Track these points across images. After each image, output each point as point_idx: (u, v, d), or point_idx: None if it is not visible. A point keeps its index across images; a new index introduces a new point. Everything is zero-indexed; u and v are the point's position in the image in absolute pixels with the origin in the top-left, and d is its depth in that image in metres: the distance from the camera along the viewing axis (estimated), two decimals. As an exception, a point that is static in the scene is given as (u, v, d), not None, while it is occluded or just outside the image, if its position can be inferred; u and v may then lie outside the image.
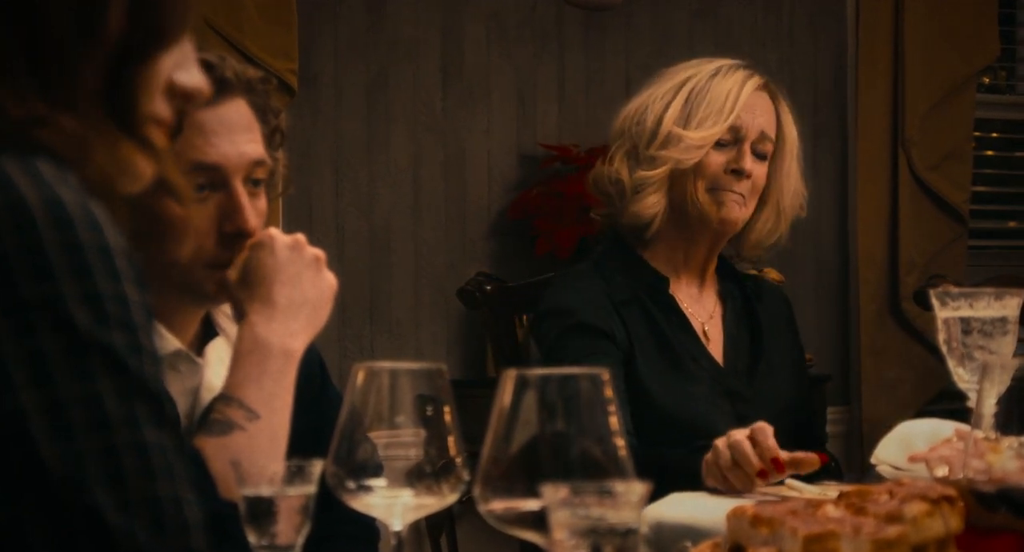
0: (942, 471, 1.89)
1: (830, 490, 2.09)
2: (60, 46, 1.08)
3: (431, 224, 4.56)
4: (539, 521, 1.12)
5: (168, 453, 1.03)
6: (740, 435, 2.20)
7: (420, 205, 4.55)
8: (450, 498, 1.35)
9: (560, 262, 4.21)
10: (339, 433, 1.34)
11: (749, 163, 2.62)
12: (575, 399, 1.19)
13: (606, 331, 2.56)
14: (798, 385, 2.74)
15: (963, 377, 1.72)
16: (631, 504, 1.08)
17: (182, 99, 1.18)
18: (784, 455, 2.18)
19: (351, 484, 1.33)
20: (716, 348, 2.67)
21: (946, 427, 2.15)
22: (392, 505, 1.34)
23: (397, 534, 1.36)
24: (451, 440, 1.34)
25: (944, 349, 1.73)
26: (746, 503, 1.34)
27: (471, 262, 4.54)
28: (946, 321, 1.73)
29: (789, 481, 2.22)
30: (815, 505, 1.30)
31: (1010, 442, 1.41)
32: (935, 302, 1.74)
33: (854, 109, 5.00)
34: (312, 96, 4.40)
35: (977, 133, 5.22)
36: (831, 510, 1.29)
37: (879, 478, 2.11)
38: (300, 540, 1.35)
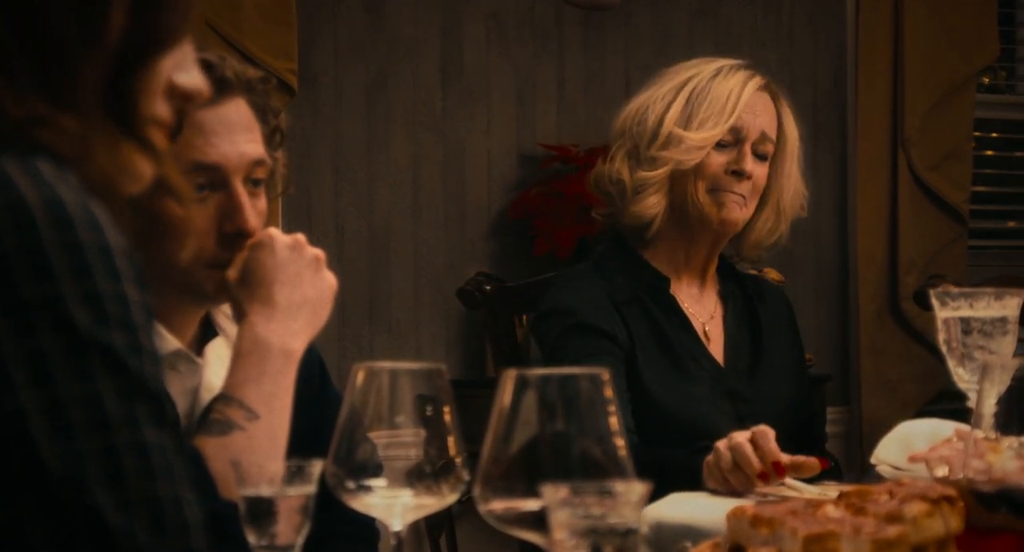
0: (942, 471, 1.89)
1: (830, 490, 2.09)
2: (61, 46, 1.08)
3: (431, 224, 4.56)
4: (539, 521, 1.12)
5: (168, 453, 1.03)
6: (741, 437, 2.20)
7: (420, 205, 4.55)
8: (450, 498, 1.35)
9: (560, 262, 4.21)
10: (339, 433, 1.34)
11: (750, 164, 2.62)
12: (575, 399, 1.19)
13: (607, 331, 2.56)
14: (798, 385, 2.74)
15: (963, 377, 1.72)
16: (631, 504, 1.08)
17: (182, 100, 1.18)
18: (785, 458, 2.18)
19: (351, 484, 1.33)
20: (717, 348, 2.67)
21: (946, 427, 2.15)
22: (392, 505, 1.34)
23: (397, 534, 1.36)
24: (451, 440, 1.34)
25: (944, 349, 1.73)
26: (746, 503, 1.34)
27: (471, 262, 4.54)
28: (946, 321, 1.73)
29: (789, 481, 2.21)
30: (815, 505, 1.30)
31: (1010, 442, 1.41)
32: (935, 302, 1.74)
33: (854, 109, 5.00)
34: (312, 96, 4.40)
35: (977, 133, 5.22)
36: (831, 510, 1.29)
37: (879, 478, 2.11)
38: (300, 540, 1.35)
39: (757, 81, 2.64)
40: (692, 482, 2.25)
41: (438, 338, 4.54)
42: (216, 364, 1.87)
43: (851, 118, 5.03)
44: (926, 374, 4.88)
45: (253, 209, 1.83)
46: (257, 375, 1.74)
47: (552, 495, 1.08)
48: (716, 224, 2.62)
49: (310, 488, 1.35)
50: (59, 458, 0.99)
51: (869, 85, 4.95)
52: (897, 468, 2.13)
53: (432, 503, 1.35)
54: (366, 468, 1.33)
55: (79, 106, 1.09)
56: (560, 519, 1.08)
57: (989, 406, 1.44)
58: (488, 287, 3.00)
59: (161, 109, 1.16)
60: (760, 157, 2.64)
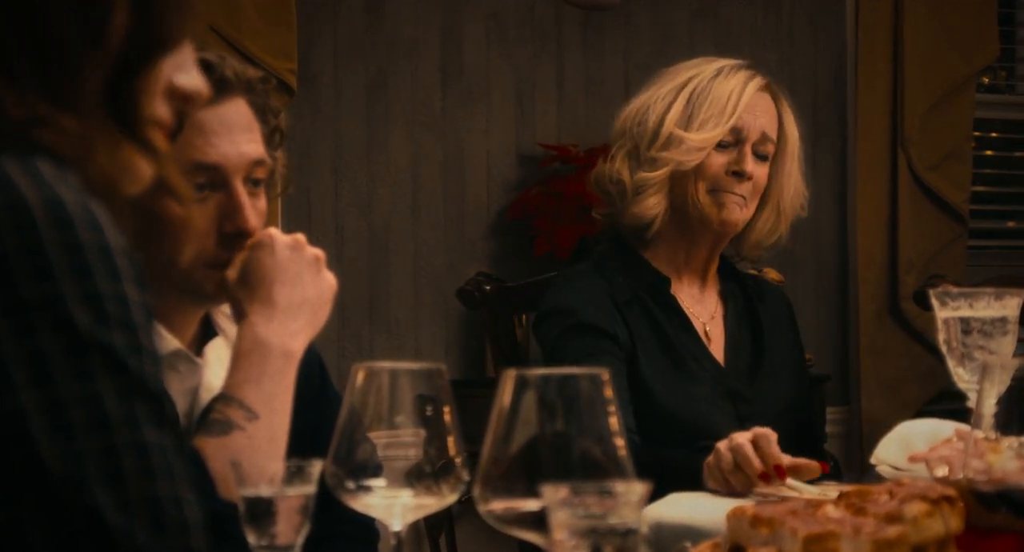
0: (942, 471, 1.89)
1: (830, 490, 2.09)
2: (62, 46, 1.08)
3: (430, 224, 4.56)
4: (539, 521, 1.12)
5: (168, 453, 1.03)
6: (742, 438, 2.19)
7: (419, 205, 4.55)
8: (450, 498, 1.35)
9: (559, 262, 4.21)
10: (339, 433, 1.34)
11: (750, 165, 2.61)
12: (575, 399, 1.19)
13: (607, 331, 2.56)
14: (799, 385, 2.74)
15: (963, 377, 1.72)
16: (631, 504, 1.08)
17: (181, 101, 1.18)
18: (786, 460, 2.18)
19: (351, 484, 1.33)
20: (717, 348, 2.67)
21: (946, 427, 2.15)
22: (391, 505, 1.34)
23: (396, 534, 1.36)
24: (451, 440, 1.34)
25: (944, 349, 1.73)
26: (746, 503, 1.34)
27: (470, 262, 4.54)
28: (946, 321, 1.73)
29: (789, 481, 2.21)
30: (815, 505, 1.30)
31: (1010, 442, 1.41)
32: (935, 302, 1.74)
33: (854, 109, 5.00)
34: (311, 96, 4.40)
35: (977, 133, 5.22)
36: (831, 510, 1.28)
37: (879, 478, 2.11)
38: (299, 540, 1.35)
39: (758, 81, 2.64)
40: (692, 482, 2.25)
41: (438, 338, 4.54)
42: (216, 364, 1.87)
43: (851, 118, 5.03)
44: (926, 374, 4.88)
45: (253, 209, 1.83)
46: (257, 375, 1.74)
47: (552, 495, 1.08)
48: (716, 224, 2.62)
49: (310, 488, 1.35)
50: (59, 458, 0.99)
51: (869, 85, 4.95)
52: (897, 468, 2.13)
53: (432, 503, 1.35)
54: (366, 468, 1.33)
55: (80, 106, 1.09)
56: (560, 519, 1.08)
57: (989, 406, 1.44)
58: (488, 287, 3.00)
59: (161, 110, 1.16)
60: (760, 157, 2.64)
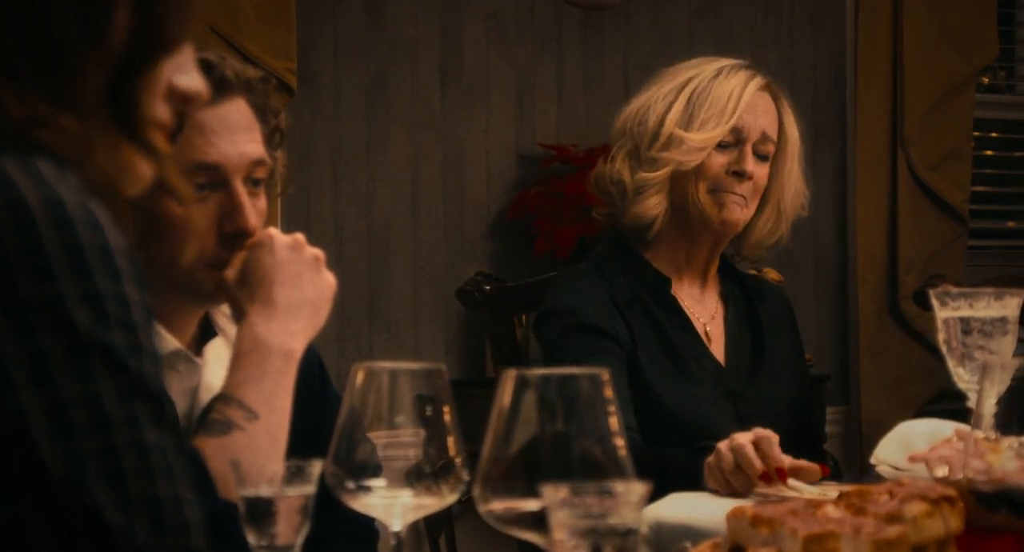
0: (942, 471, 1.89)
1: (830, 490, 2.09)
2: (63, 47, 1.08)
3: (430, 224, 4.56)
4: (539, 521, 1.12)
5: (168, 453, 1.03)
6: (743, 439, 2.19)
7: (419, 205, 4.55)
8: (449, 498, 1.35)
9: (559, 262, 4.21)
10: (338, 433, 1.34)
11: (751, 164, 2.61)
12: (575, 399, 1.19)
13: (607, 331, 2.56)
14: (799, 385, 2.74)
15: (963, 377, 1.72)
16: (631, 504, 1.08)
17: (181, 102, 1.18)
18: (787, 461, 2.18)
19: (350, 484, 1.33)
20: (718, 349, 2.67)
21: (946, 427, 2.14)
22: (391, 505, 1.34)
23: (396, 534, 1.36)
24: (450, 440, 1.34)
25: (944, 349, 1.73)
26: (746, 503, 1.34)
27: (470, 262, 4.54)
28: (946, 321, 1.73)
29: (790, 481, 2.21)
30: (815, 505, 1.30)
31: (1010, 442, 1.41)
32: (935, 302, 1.74)
33: (853, 109, 5.00)
34: (311, 96, 4.40)
35: (976, 133, 5.22)
36: (831, 510, 1.28)
37: (879, 478, 2.11)
38: (299, 540, 1.35)
39: (758, 81, 2.64)
40: (693, 482, 2.25)
41: (437, 338, 4.54)
42: (215, 364, 1.87)
43: (851, 118, 5.03)
44: (926, 374, 4.88)
45: (253, 209, 1.83)
46: (257, 375, 1.74)
47: (552, 495, 1.08)
48: (717, 224, 2.62)
49: (310, 488, 1.35)
50: (59, 458, 0.99)
51: (869, 85, 4.95)
52: (897, 468, 2.13)
53: (432, 503, 1.35)
54: (366, 468, 1.33)
55: (80, 107, 1.09)
56: (560, 519, 1.08)
57: (989, 406, 1.44)
58: (487, 287, 3.00)
59: (161, 111, 1.16)
60: (761, 157, 2.64)
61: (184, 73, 1.18)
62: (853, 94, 5.00)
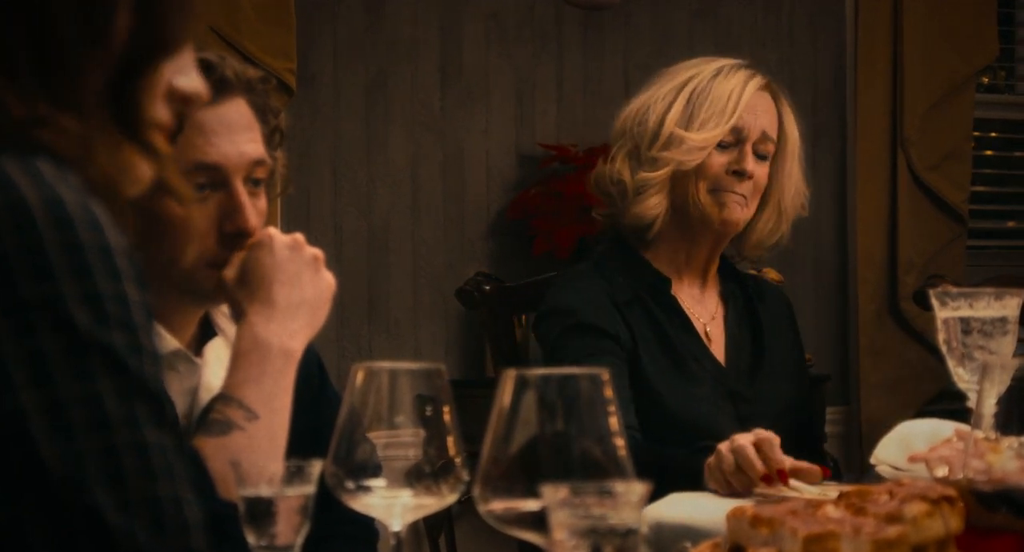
0: (942, 471, 1.89)
1: (830, 490, 2.08)
2: (64, 47, 1.08)
3: (430, 224, 4.56)
4: (539, 521, 1.12)
5: (168, 453, 1.03)
6: (744, 440, 2.19)
7: (419, 205, 4.55)
8: (449, 498, 1.35)
9: (559, 262, 4.21)
10: (338, 433, 1.34)
11: (751, 164, 2.61)
12: (575, 399, 1.19)
13: (607, 331, 2.56)
14: (799, 386, 2.74)
15: (963, 377, 1.72)
16: (631, 504, 1.08)
17: (181, 103, 1.18)
18: (788, 462, 2.18)
19: (350, 484, 1.33)
20: (718, 349, 2.67)
21: (946, 427, 2.14)
22: (391, 505, 1.34)
23: (396, 534, 1.36)
24: (450, 440, 1.34)
25: (944, 349, 1.73)
26: (746, 503, 1.34)
27: (470, 262, 4.54)
28: (946, 321, 1.73)
29: (790, 481, 2.21)
30: (815, 505, 1.30)
31: (1010, 442, 1.41)
32: (935, 302, 1.74)
33: (853, 109, 5.00)
34: (311, 96, 4.40)
35: (976, 133, 5.22)
36: (831, 510, 1.28)
37: (879, 478, 2.11)
38: (299, 540, 1.35)
39: (758, 81, 2.64)
40: (693, 482, 2.25)
41: (437, 338, 4.54)
42: (215, 364, 1.87)
43: (851, 118, 5.03)
44: (926, 374, 4.88)
45: (253, 209, 1.83)
46: (257, 375, 1.74)
47: (552, 495, 1.08)
48: (717, 224, 2.62)
49: (309, 488, 1.35)
50: (59, 458, 0.99)
51: (868, 85, 4.95)
52: (897, 468, 2.13)
53: (431, 503, 1.35)
54: (365, 468, 1.33)
55: (81, 107, 1.09)
56: (560, 519, 1.08)
57: (989, 406, 1.44)
58: (487, 287, 3.00)
59: (162, 112, 1.16)
60: (761, 157, 2.64)
61: (184, 74, 1.18)
62: (853, 94, 5.00)
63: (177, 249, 1.78)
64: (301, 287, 1.79)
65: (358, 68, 4.49)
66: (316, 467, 1.35)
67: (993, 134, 5.49)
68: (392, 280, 4.51)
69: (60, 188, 1.03)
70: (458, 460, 1.34)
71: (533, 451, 1.19)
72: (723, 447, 2.21)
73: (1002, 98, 5.53)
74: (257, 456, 1.65)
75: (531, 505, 1.16)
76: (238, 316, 1.79)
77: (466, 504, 1.36)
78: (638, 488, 1.09)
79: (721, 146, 2.61)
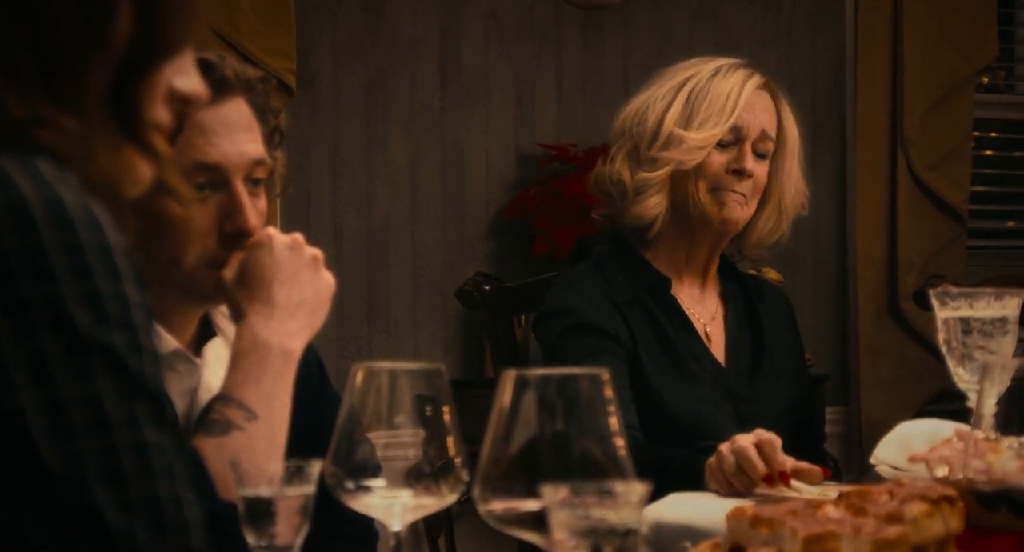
0: (942, 471, 1.89)
1: (830, 490, 2.09)
2: (65, 47, 1.08)
3: (429, 224, 4.56)
4: (539, 521, 1.12)
5: (168, 453, 1.03)
6: (745, 441, 2.19)
7: (418, 205, 4.55)
8: (449, 498, 1.35)
9: (558, 262, 4.21)
10: (338, 433, 1.34)
11: (750, 163, 2.61)
12: (575, 399, 1.19)
13: (607, 331, 2.56)
14: (799, 386, 2.74)
15: (963, 377, 1.72)
16: (631, 504, 1.08)
17: (181, 104, 1.18)
18: (789, 463, 2.18)
19: (350, 484, 1.33)
20: (718, 349, 2.66)
21: (946, 427, 2.14)
22: (391, 505, 1.34)
23: (396, 534, 1.36)
24: (450, 440, 1.34)
25: (944, 349, 1.73)
26: (746, 503, 1.34)
27: (469, 262, 4.54)
28: (946, 321, 1.73)
29: (791, 482, 2.21)
30: (815, 505, 1.30)
31: (1010, 442, 1.41)
32: (935, 302, 1.74)
33: (853, 109, 5.00)
34: (310, 96, 4.40)
35: (976, 133, 5.22)
36: (831, 510, 1.28)
37: (879, 478, 2.11)
38: (299, 540, 1.35)
39: (756, 80, 2.64)
40: (693, 483, 2.25)
41: (437, 338, 4.54)
42: (215, 364, 1.87)
43: (850, 118, 5.03)
44: (926, 374, 4.88)
45: (253, 209, 1.83)
46: (256, 375, 1.74)
47: (552, 495, 1.08)
48: (717, 223, 2.62)
49: (309, 488, 1.35)
50: (59, 458, 0.99)
51: (868, 85, 4.95)
52: (897, 468, 2.13)
53: (431, 503, 1.35)
54: (365, 468, 1.33)
55: (82, 107, 1.09)
56: (560, 519, 1.08)
57: (989, 406, 1.44)
58: (487, 287, 3.00)
59: (162, 113, 1.16)
60: (760, 156, 2.64)
61: (184, 75, 1.18)
62: (853, 94, 5.00)
63: (177, 249, 1.78)
64: (301, 287, 1.79)
65: (358, 68, 4.49)
66: (316, 467, 1.35)
67: (993, 134, 5.49)
68: (392, 280, 4.51)
69: (60, 188, 1.03)
70: (458, 460, 1.34)
71: (533, 451, 1.19)
72: (724, 448, 2.21)
73: (1002, 98, 5.53)
74: (257, 456, 1.65)
75: (531, 505, 1.16)
76: (237, 316, 1.79)
77: (466, 504, 1.36)
78: (638, 488, 1.09)
79: (720, 145, 2.61)
